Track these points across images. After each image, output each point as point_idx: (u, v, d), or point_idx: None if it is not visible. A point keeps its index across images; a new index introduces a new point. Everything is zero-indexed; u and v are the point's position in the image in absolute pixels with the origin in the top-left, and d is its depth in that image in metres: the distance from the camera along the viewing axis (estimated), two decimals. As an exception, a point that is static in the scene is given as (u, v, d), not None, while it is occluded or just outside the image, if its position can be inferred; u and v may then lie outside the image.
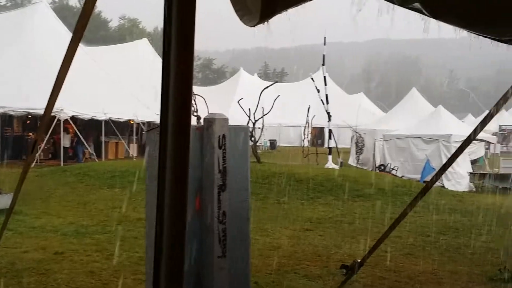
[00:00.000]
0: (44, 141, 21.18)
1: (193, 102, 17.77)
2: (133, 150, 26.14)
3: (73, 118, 21.11)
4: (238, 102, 20.33)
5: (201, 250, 3.23)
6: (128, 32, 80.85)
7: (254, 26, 1.55)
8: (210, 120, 3.20)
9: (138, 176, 13.57)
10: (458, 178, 18.71)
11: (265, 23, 1.53)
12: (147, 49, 35.46)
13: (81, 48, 25.81)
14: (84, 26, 2.65)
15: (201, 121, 3.41)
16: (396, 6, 2.35)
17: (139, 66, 30.22)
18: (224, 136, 3.18)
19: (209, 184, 3.20)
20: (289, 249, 8.12)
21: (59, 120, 20.02)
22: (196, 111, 17.90)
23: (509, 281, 6.62)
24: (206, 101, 18.83)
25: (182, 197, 1.29)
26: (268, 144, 37.69)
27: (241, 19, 1.55)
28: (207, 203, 3.21)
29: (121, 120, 24.63)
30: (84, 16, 2.63)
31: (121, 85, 26.25)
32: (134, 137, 26.37)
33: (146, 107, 24.88)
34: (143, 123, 24.87)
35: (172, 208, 1.29)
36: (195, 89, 19.01)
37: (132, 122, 25.47)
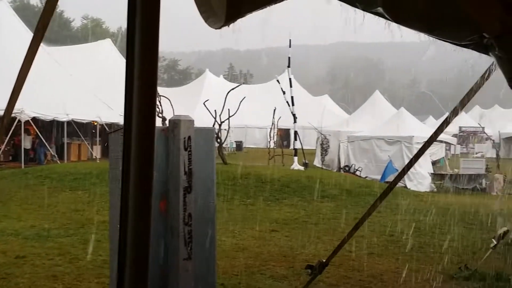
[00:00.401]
0: (4, 143, 20.60)
1: (158, 103, 17.62)
2: (97, 151, 25.72)
3: (34, 119, 20.62)
4: (204, 103, 20.26)
5: (167, 253, 3.21)
6: (91, 32, 79.44)
7: (219, 28, 1.55)
8: (175, 122, 3.17)
9: (101, 178, 13.35)
10: (420, 178, 19.12)
11: (231, 25, 1.53)
12: (110, 49, 34.94)
13: (43, 48, 25.19)
14: (45, 26, 2.60)
15: (167, 122, 3.38)
16: (360, 10, 2.39)
17: (103, 67, 29.75)
18: (189, 137, 3.16)
19: (174, 186, 3.18)
20: (255, 250, 8.13)
21: (19, 121, 19.52)
22: (162, 113, 17.77)
23: (470, 278, 6.80)
24: (172, 103, 18.70)
25: (146, 199, 1.28)
26: (234, 145, 37.67)
27: (206, 21, 1.55)
28: (173, 205, 3.19)
29: (84, 121, 24.22)
30: (46, 15, 2.58)
31: (84, 86, 25.80)
32: (98, 138, 25.95)
33: (109, 108, 24.51)
34: (107, 124, 24.49)
35: (136, 211, 1.27)
36: (160, 90, 18.87)
37: (96, 124, 25.05)
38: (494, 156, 26.50)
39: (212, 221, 3.58)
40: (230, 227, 9.61)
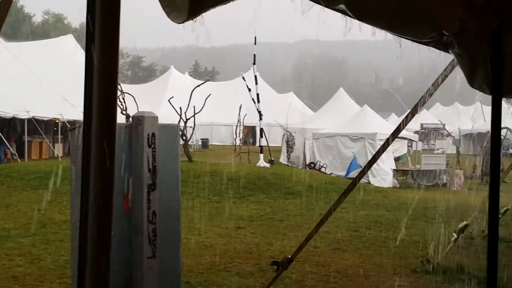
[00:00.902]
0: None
1: (122, 100, 17.36)
2: (58, 150, 25.17)
3: (-7, 116, 20.04)
4: (169, 100, 20.08)
5: (131, 251, 3.17)
6: (53, 27, 77.56)
7: (182, 23, 1.54)
8: (139, 118, 3.13)
9: (63, 177, 13.08)
10: (383, 174, 19.43)
11: (196, 21, 1.52)
12: (72, 45, 34.17)
13: (2, 43, 24.48)
14: (2, 20, 2.52)
15: (131, 119, 3.33)
16: (324, 8, 2.40)
17: (64, 63, 29.09)
18: (153, 134, 3.13)
19: (138, 183, 3.14)
20: (221, 248, 8.12)
21: (-23, 119, 18.95)
22: (126, 110, 17.50)
23: (431, 272, 6.97)
24: (136, 100, 18.47)
25: (107, 196, 1.26)
26: (200, 143, 37.49)
27: (168, 16, 1.53)
28: (137, 203, 3.15)
29: (45, 119, 23.66)
30: (2, 9, 2.50)
31: (45, 83, 25.18)
32: (59, 136, 25.39)
33: (71, 105, 24.00)
34: (69, 122, 23.96)
35: (97, 208, 1.25)
36: (124, 87, 18.59)
37: (57, 121, 24.51)
38: (455, 152, 27.21)
39: (177, 218, 3.55)
40: (196, 225, 9.57)
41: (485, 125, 30.71)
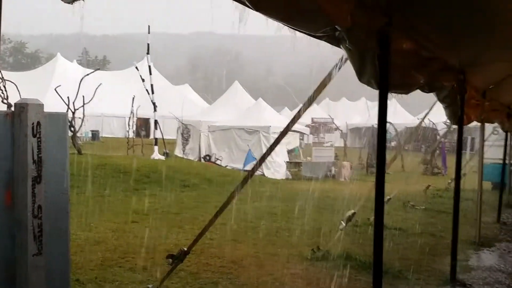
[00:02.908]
0: None
1: (2, 88, 16.13)
2: None
3: None
4: (55, 89, 19.01)
5: (14, 249, 2.94)
6: None
7: (71, 3, 1.43)
8: (22, 106, 2.89)
9: None
10: (277, 166, 19.96)
11: (88, 10, 1.42)
12: None
13: None
14: None
15: (12, 108, 3.08)
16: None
17: None
18: (38, 123, 2.91)
19: (21, 175, 2.91)
20: (113, 243, 7.86)
21: None
22: (7, 98, 16.30)
23: (322, 259, 7.28)
24: (18, 88, 17.31)
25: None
26: (90, 135, 36.00)
27: (57, -7, 1.42)
28: (20, 196, 2.92)
29: None
30: None
31: None
32: None
33: None
34: None
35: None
36: (6, 74, 17.29)
37: None
38: (342, 145, 28.67)
39: (65, 213, 3.35)
40: (86, 220, 9.17)
41: (369, 120, 32.71)
